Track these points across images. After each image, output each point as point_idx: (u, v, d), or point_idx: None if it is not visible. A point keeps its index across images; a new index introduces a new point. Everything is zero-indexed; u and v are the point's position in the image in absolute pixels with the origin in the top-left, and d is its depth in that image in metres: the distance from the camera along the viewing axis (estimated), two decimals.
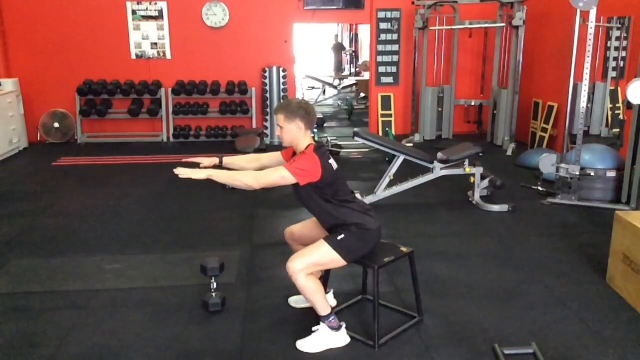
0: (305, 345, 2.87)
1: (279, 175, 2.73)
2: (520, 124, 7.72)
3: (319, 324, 2.89)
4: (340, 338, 2.89)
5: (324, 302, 2.86)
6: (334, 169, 2.86)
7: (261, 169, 2.96)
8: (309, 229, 3.09)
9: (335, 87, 13.37)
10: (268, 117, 8.38)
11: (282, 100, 8.29)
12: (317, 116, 10.11)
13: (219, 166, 3.02)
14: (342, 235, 2.80)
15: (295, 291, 3.34)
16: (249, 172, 2.88)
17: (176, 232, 4.62)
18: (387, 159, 6.75)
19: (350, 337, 2.93)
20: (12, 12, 8.00)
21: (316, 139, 7.17)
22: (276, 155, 3.09)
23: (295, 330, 3.03)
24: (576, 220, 4.81)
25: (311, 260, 2.77)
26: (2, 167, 6.89)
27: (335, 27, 17.38)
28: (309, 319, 3.13)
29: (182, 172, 2.72)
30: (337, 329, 2.87)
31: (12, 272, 3.83)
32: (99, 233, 4.58)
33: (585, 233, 4.51)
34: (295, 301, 3.33)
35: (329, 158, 2.86)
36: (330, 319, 2.86)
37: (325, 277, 3.13)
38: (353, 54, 17.09)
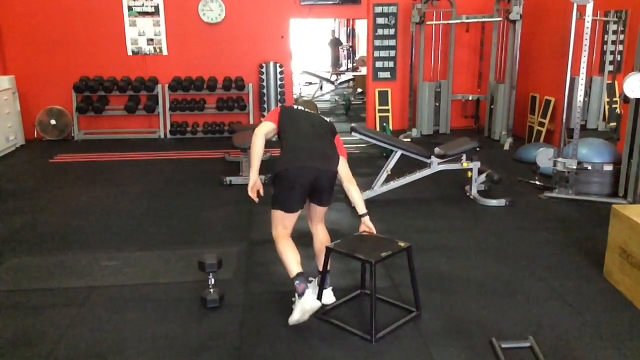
0: (290, 320, 2.96)
1: (262, 122, 3.22)
2: (518, 118, 7.73)
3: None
4: (307, 302, 2.87)
5: (290, 267, 3.00)
6: (297, 117, 3.24)
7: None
8: None
9: (332, 82, 13.37)
10: (265, 113, 8.37)
11: (279, 96, 8.30)
12: None
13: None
14: (272, 190, 3.13)
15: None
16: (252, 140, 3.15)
17: (174, 228, 4.61)
18: (384, 154, 6.75)
19: (348, 331, 2.95)
20: (8, 9, 7.96)
21: None
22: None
23: (294, 327, 3.03)
24: (573, 215, 4.82)
25: (273, 222, 3.17)
26: None
27: (332, 23, 17.36)
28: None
29: (252, 195, 3.15)
30: (302, 294, 2.89)
31: (10, 269, 3.82)
32: (96, 230, 4.58)
33: (582, 227, 4.52)
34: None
35: (299, 114, 3.28)
36: (295, 283, 2.92)
37: (323, 274, 3.14)
38: (350, 50, 17.08)
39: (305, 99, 3.35)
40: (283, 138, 3.17)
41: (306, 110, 3.36)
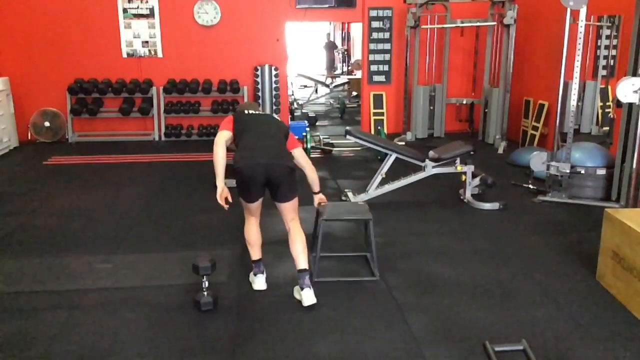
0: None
1: (219, 132, 3.40)
2: (512, 122, 7.76)
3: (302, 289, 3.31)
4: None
5: (251, 250, 3.56)
6: (249, 120, 3.48)
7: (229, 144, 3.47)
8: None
9: (327, 85, 13.39)
10: None
11: (274, 99, 8.31)
12: (310, 115, 10.20)
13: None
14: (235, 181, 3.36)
15: (295, 283, 3.46)
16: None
17: (168, 231, 4.60)
18: (379, 157, 6.77)
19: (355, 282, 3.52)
20: (2, 11, 7.94)
21: (308, 138, 7.09)
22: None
23: (287, 329, 3.04)
24: (567, 218, 4.84)
25: (246, 213, 3.53)
26: None
27: (327, 26, 17.39)
28: (301, 316, 3.16)
29: (222, 202, 3.29)
30: (255, 275, 3.54)
31: (3, 272, 3.80)
32: (90, 232, 4.56)
33: (575, 231, 4.54)
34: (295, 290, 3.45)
35: (250, 118, 3.53)
36: (253, 265, 3.55)
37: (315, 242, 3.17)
38: (345, 53, 17.11)
39: (247, 101, 3.79)
40: (238, 141, 3.40)
41: (256, 112, 3.60)
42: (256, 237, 3.54)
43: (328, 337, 2.97)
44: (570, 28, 5.05)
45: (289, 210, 3.42)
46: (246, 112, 3.60)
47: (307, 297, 3.26)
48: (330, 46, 16.28)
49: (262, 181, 3.29)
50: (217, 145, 3.31)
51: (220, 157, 3.28)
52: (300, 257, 3.34)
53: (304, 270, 3.31)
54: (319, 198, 3.70)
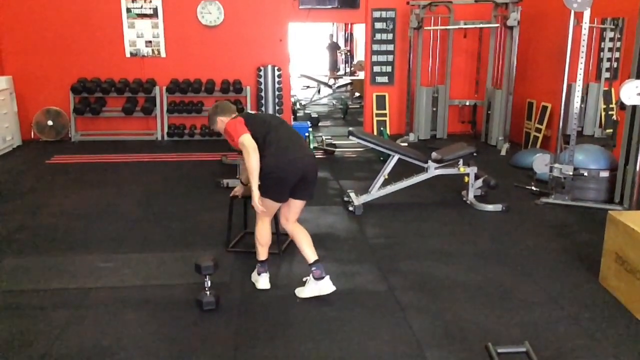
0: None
1: (242, 145, 3.24)
2: (515, 124, 7.75)
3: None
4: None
5: (262, 251, 3.48)
6: (267, 120, 3.42)
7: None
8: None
9: (330, 86, 13.38)
10: None
11: (277, 99, 8.31)
12: (312, 115, 10.17)
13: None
14: (260, 184, 3.27)
15: (298, 284, 3.46)
16: (246, 162, 3.28)
17: (171, 230, 4.61)
18: (381, 158, 6.76)
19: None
20: (6, 10, 7.96)
21: (311, 138, 7.07)
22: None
23: (289, 329, 3.04)
24: (569, 220, 4.83)
25: (266, 214, 3.39)
26: None
27: (330, 27, 17.40)
28: (302, 317, 3.15)
29: (257, 207, 3.29)
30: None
31: (6, 270, 3.81)
32: (93, 231, 4.57)
33: (578, 233, 4.54)
34: (297, 291, 3.45)
35: (264, 117, 3.51)
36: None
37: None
38: (348, 54, 17.11)
39: (222, 102, 3.56)
40: (262, 141, 3.29)
41: (259, 113, 3.62)
42: (269, 237, 3.53)
43: (330, 337, 2.97)
44: (574, 30, 5.05)
45: (301, 208, 3.51)
46: (251, 112, 3.62)
47: (327, 285, 3.32)
48: (333, 47, 16.28)
49: (298, 178, 3.32)
50: (254, 150, 3.21)
51: (257, 161, 3.21)
52: (311, 251, 3.39)
53: (318, 261, 3.36)
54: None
